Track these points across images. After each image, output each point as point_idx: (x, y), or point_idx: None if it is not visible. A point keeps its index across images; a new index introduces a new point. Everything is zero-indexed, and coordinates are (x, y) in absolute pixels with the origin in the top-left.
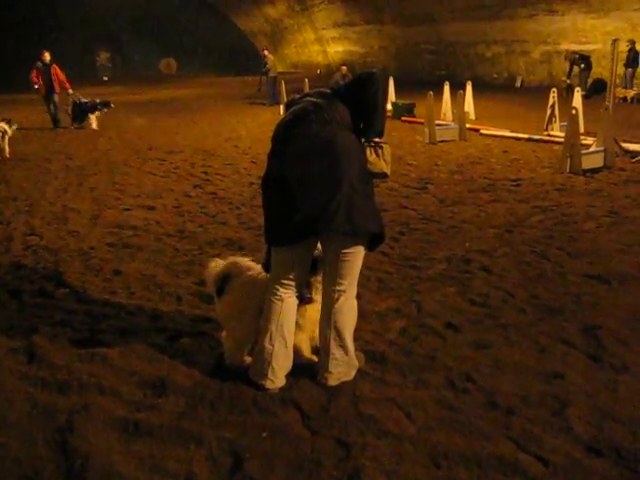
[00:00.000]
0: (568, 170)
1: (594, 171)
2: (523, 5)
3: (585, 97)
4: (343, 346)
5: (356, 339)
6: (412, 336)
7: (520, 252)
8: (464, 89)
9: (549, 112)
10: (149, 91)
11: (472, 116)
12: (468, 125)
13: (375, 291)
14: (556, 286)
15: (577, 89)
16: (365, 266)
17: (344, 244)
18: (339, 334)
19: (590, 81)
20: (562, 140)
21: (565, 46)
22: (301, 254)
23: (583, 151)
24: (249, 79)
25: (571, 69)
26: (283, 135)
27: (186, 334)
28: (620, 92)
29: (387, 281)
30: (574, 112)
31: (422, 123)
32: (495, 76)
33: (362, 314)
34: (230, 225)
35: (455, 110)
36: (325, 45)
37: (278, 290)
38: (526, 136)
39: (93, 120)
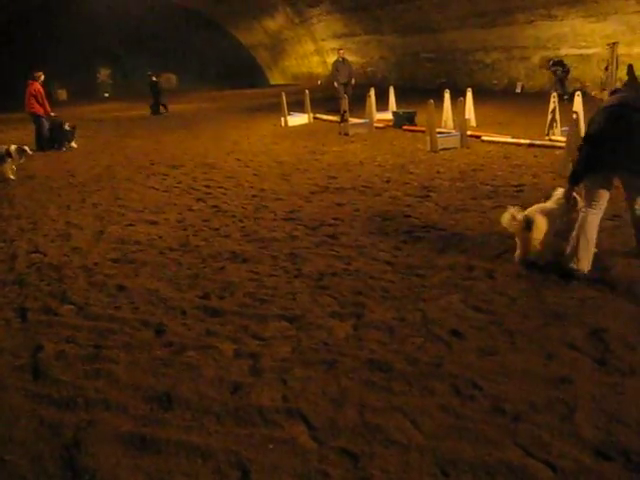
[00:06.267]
0: None
1: None
2: (521, 11)
3: (567, 100)
4: None
5: (361, 348)
6: (417, 344)
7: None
8: (464, 96)
9: (550, 117)
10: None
11: (473, 123)
12: (469, 132)
13: (380, 300)
14: (561, 290)
15: (577, 93)
16: (369, 276)
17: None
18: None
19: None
20: (564, 145)
21: (565, 51)
22: (605, 187)
23: None
24: (250, 92)
25: (556, 76)
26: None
27: (191, 347)
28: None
29: (391, 290)
30: (575, 117)
31: (423, 131)
32: (495, 82)
33: (367, 323)
34: (233, 238)
35: (456, 118)
36: (325, 56)
37: (588, 209)
38: (527, 142)
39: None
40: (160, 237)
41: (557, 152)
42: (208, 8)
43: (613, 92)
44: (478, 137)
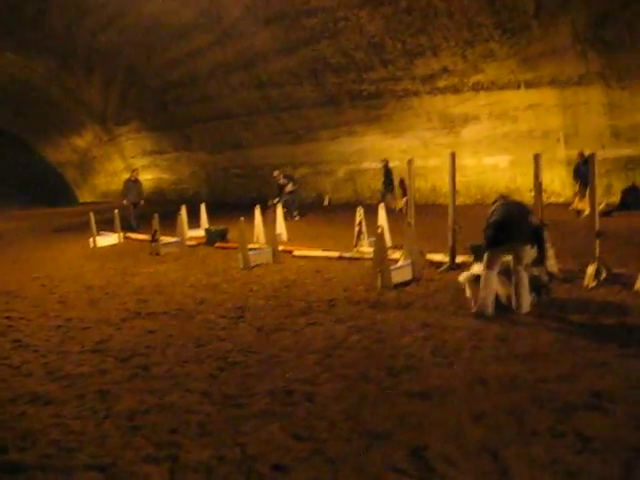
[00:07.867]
0: (380, 285)
1: (405, 284)
2: (325, 128)
3: (294, 217)
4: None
5: None
6: None
7: (341, 376)
8: (275, 211)
9: (357, 229)
10: None
11: (285, 238)
12: (281, 247)
13: (196, 437)
14: (380, 408)
15: (381, 205)
16: (184, 410)
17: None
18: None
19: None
20: (371, 256)
21: (367, 165)
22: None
23: (392, 266)
24: (58, 211)
25: (280, 190)
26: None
27: None
28: (398, 203)
29: (208, 424)
30: (380, 230)
31: (236, 248)
32: (304, 196)
33: (184, 466)
34: (36, 377)
35: (267, 233)
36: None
37: (488, 270)
38: (337, 254)
39: None
40: None
41: (366, 264)
42: (11, 124)
43: (495, 202)
44: (290, 252)
